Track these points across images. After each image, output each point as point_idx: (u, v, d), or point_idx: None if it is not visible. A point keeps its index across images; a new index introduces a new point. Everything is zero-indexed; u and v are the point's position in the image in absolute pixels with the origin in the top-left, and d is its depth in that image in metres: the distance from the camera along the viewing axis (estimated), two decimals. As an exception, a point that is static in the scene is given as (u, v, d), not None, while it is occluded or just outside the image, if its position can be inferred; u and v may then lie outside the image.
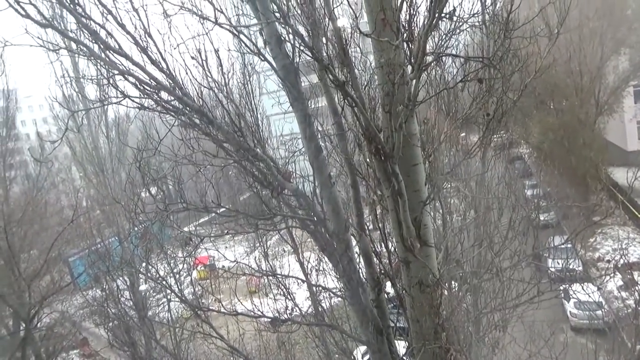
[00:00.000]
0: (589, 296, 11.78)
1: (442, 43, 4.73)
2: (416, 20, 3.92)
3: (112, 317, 12.24)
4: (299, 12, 4.75)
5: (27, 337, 17.21)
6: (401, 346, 5.99)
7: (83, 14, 4.10)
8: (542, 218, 10.41)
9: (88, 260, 13.71)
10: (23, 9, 3.82)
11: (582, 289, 11.95)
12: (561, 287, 10.02)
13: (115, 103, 4.70)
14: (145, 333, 11.37)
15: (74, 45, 4.51)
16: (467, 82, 5.67)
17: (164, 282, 8.05)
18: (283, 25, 4.67)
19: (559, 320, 16.58)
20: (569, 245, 10.03)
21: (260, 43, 5.00)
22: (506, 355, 7.59)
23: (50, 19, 4.16)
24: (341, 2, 5.05)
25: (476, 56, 5.93)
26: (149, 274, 9.36)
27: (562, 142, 28.92)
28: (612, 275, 15.11)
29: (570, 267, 9.19)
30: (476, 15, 5.62)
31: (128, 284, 13.46)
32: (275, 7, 4.57)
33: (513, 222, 8.25)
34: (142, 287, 13.83)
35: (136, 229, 12.34)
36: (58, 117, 18.04)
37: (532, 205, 9.99)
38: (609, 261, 21.58)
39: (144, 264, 10.12)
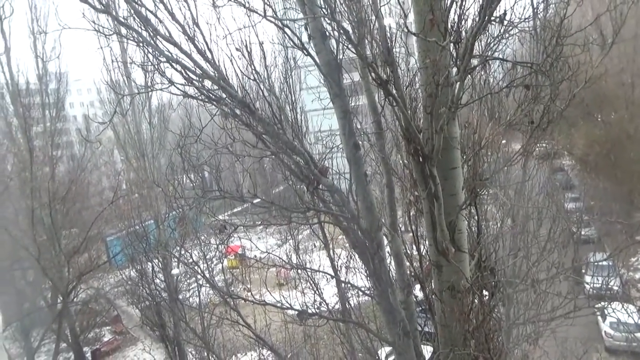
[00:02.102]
0: (629, 316, 11.34)
1: (490, 46, 4.63)
2: (465, 22, 3.86)
3: (145, 298, 12.61)
4: (345, 8, 4.74)
5: (64, 310, 17.99)
6: (427, 351, 5.93)
7: (136, 0, 4.22)
8: (582, 232, 10.06)
9: (125, 240, 14.13)
10: (81, -7, 3.97)
11: (623, 308, 11.49)
12: (598, 305, 9.68)
13: (161, 89, 4.83)
14: (175, 315, 11.65)
15: (123, 31, 4.65)
16: (513, 88, 5.53)
17: (196, 268, 8.22)
18: (328, 21, 4.68)
19: (593, 340, 16.00)
20: (610, 263, 9.67)
21: (305, 38, 5.02)
22: (535, 369, 7.40)
23: (105, 5, 4.29)
24: (389, 1, 5.02)
25: (525, 61, 5.78)
26: (182, 258, 9.59)
27: (608, 156, 27.80)
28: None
29: (610, 285, 8.85)
30: (527, 20, 5.46)
31: (161, 266, 13.83)
32: (322, 2, 4.58)
33: (552, 234, 8.01)
34: (175, 271, 14.17)
35: (174, 213, 12.66)
36: (105, 101, 18.66)
37: (573, 218, 9.69)
38: (651, 282, 20.66)
39: (177, 248, 10.36)
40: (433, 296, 4.79)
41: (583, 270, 10.90)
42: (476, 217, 5.62)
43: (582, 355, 8.63)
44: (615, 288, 12.88)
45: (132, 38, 4.41)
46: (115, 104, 17.08)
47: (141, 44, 4.43)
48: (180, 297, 13.87)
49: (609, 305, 10.92)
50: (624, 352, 12.81)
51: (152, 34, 4.29)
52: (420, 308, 6.08)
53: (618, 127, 28.41)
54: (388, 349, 8.36)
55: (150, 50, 4.44)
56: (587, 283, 8.53)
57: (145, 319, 13.54)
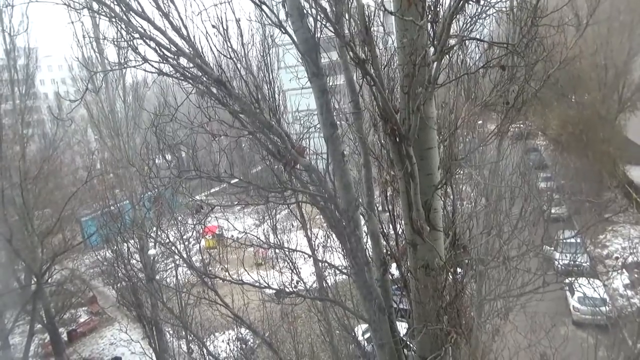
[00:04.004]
0: (595, 290, 11.78)
1: (467, 27, 4.65)
2: (442, 2, 3.86)
3: (121, 278, 12.52)
4: (324, -15, 4.67)
5: (38, 292, 17.75)
6: (402, 327, 6.06)
7: (107, -26, 4.08)
8: (553, 211, 10.34)
9: (100, 221, 13.94)
10: (49, -34, 3.82)
11: (589, 283, 11.92)
12: (566, 280, 10.02)
13: (134, 67, 4.71)
14: (152, 295, 11.60)
15: (95, 6, 4.50)
16: (490, 68, 5.58)
17: (173, 248, 8.17)
18: (306, -1, 4.62)
19: (561, 314, 16.61)
20: (578, 240, 10.00)
21: (282, 15, 4.95)
22: (506, 342, 7.65)
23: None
24: (367, -22, 4.96)
25: (501, 42, 5.83)
26: (159, 239, 9.52)
27: (580, 136, 28.47)
28: (619, 272, 15.03)
29: (578, 261, 9.15)
30: (503, 0, 5.49)
31: (138, 246, 13.71)
32: (300, -21, 4.50)
33: (524, 212, 8.21)
34: (151, 252, 14.07)
35: (149, 193, 12.52)
36: (77, 78, 18.14)
37: (544, 197, 9.92)
38: (617, 258, 21.42)
39: (154, 228, 10.27)
40: (408, 274, 4.89)
41: (552, 248, 11.23)
42: (451, 197, 5.71)
43: (550, 329, 8.95)
44: (584, 264, 13.35)
45: (103, 13, 4.28)
46: (87, 82, 16.63)
47: (113, 20, 4.30)
48: (158, 277, 13.82)
49: (577, 281, 11.34)
50: (589, 325, 13.32)
51: (124, 9, 4.17)
52: (396, 286, 6.20)
53: (591, 108, 29.04)
54: (364, 326, 8.52)
55: (123, 26, 4.32)
56: (556, 259, 8.80)
57: (121, 300, 13.48)
